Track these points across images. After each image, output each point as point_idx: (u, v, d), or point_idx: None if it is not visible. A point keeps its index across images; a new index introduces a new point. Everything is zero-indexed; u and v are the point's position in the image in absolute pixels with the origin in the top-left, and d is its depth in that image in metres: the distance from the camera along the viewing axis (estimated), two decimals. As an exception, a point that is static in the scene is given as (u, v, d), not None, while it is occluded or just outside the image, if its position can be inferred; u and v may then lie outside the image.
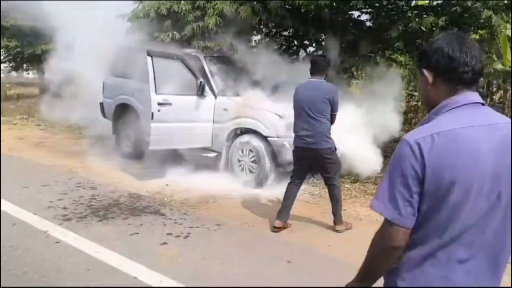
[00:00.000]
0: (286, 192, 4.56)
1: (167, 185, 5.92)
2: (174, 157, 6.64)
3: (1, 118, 10.95)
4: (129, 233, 4.18)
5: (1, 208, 4.61)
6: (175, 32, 6.24)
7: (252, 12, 5.82)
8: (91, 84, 8.51)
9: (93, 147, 7.98)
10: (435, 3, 6.33)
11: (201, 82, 6.06)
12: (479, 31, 7.08)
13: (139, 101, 7.00)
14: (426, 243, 1.34)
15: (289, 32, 6.96)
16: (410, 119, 9.24)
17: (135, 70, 7.03)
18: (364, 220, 4.88)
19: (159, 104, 5.80)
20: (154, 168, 6.66)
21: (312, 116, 4.28)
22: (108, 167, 6.74)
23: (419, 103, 9.50)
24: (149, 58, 5.75)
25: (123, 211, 4.79)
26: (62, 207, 4.86)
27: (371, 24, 6.75)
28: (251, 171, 5.90)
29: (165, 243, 3.99)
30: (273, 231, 4.42)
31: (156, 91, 5.80)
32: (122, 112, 7.45)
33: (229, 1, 6.20)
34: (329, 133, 4.35)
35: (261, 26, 6.26)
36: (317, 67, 4.41)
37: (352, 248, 3.96)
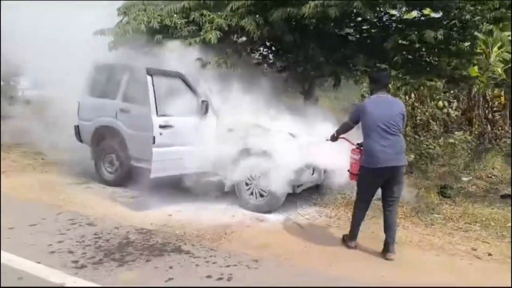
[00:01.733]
0: (355, 214, 4.47)
1: (170, 215, 5.42)
2: (162, 183, 6.05)
3: None
4: (163, 279, 3.67)
5: (-5, 258, 3.90)
6: (170, 47, 5.74)
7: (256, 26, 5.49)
8: (57, 105, 7.82)
9: (65, 174, 7.21)
10: (432, 15, 6.35)
11: (203, 101, 5.62)
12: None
13: (124, 123, 6.42)
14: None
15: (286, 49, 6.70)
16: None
17: (119, 89, 6.47)
18: (403, 242, 4.67)
19: (160, 127, 5.31)
20: (145, 197, 6.11)
21: (391, 132, 4.14)
22: (94, 198, 6.09)
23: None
24: (149, 77, 5.25)
25: (141, 251, 4.24)
26: (66, 251, 4.22)
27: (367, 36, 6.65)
28: (261, 195, 5.53)
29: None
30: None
31: (157, 113, 5.29)
32: (102, 135, 6.78)
33: (224, 15, 5.83)
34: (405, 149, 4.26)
35: (261, 41, 5.90)
36: (382, 83, 4.39)
37: (407, 276, 3.76)
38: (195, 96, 5.71)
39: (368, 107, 4.29)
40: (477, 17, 5.79)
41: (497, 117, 10.42)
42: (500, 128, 10.73)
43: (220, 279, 3.70)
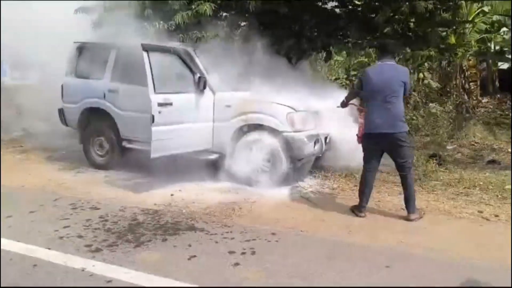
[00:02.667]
0: (363, 182, 4.51)
1: (172, 195, 5.31)
2: (157, 163, 5.87)
3: None
4: (186, 257, 3.59)
5: (2, 248, 3.71)
6: (161, 22, 5.52)
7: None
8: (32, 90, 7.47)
9: (51, 160, 6.94)
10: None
11: (200, 77, 5.47)
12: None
13: (113, 104, 6.19)
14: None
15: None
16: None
17: (106, 68, 6.22)
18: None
19: (159, 105, 5.15)
20: (141, 178, 5.97)
21: (388, 100, 4.24)
22: (87, 182, 5.89)
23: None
24: (144, 53, 5.05)
25: (154, 232, 4.13)
26: (76, 236, 4.05)
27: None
28: (263, 171, 5.48)
29: (237, 263, 3.47)
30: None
31: (155, 91, 5.11)
32: (90, 117, 6.52)
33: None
34: (403, 116, 4.34)
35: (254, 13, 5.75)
36: (389, 51, 4.52)
37: (425, 241, 3.83)
38: (191, 72, 5.54)
39: (370, 74, 4.39)
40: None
41: (473, 87, 10.74)
42: (475, 97, 11.10)
43: (243, 253, 3.65)
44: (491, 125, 9.38)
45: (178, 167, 6.08)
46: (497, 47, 10.49)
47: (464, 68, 10.37)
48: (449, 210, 4.69)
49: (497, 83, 13.88)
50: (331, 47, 6.73)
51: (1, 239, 3.86)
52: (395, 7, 6.00)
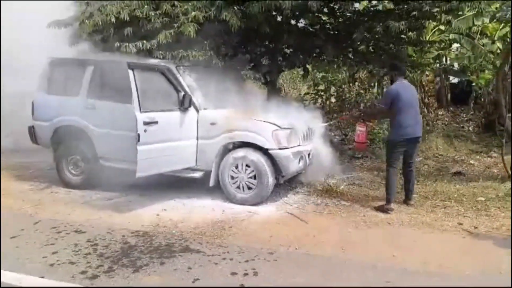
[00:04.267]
0: (390, 181, 5.26)
1: (158, 215, 5.22)
2: (136, 182, 5.76)
3: None
4: (190, 281, 3.55)
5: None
6: (144, 42, 5.46)
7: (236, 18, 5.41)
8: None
9: (21, 179, 6.65)
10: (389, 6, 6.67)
11: (185, 94, 5.45)
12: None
13: (90, 121, 6.03)
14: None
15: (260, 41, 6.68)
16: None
17: (82, 84, 6.07)
18: (395, 223, 4.92)
19: (145, 123, 5.07)
20: (120, 197, 5.84)
21: (417, 110, 5.35)
22: (65, 203, 5.69)
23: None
24: (130, 71, 4.97)
25: (149, 255, 4.06)
26: (67, 262, 3.91)
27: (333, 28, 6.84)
28: (249, 188, 5.51)
29: (242, 285, 3.48)
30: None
31: (140, 109, 5.04)
32: (64, 136, 6.31)
33: (198, 7, 5.67)
34: None
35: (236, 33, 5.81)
36: (402, 71, 5.54)
37: (416, 256, 3.99)
38: (175, 90, 5.50)
39: (400, 91, 5.21)
40: (436, 9, 6.16)
41: (432, 101, 11.29)
42: (434, 111, 11.66)
43: (246, 274, 3.66)
44: (451, 137, 9.85)
45: (158, 185, 6.02)
46: (453, 63, 11.10)
47: (424, 83, 10.90)
48: (431, 223, 4.90)
49: (449, 97, 14.66)
50: (307, 65, 6.89)
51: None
52: (369, 27, 6.24)
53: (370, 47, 6.91)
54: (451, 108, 13.81)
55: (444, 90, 14.27)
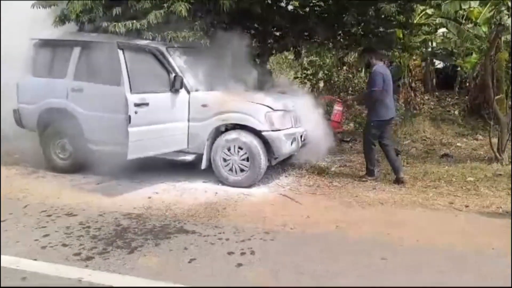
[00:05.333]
0: (370, 152, 5.70)
1: (149, 198, 5.17)
2: (126, 165, 5.67)
3: None
4: (186, 261, 3.53)
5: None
6: (134, 21, 5.34)
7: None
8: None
9: (5, 164, 6.47)
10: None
11: (176, 76, 5.36)
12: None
13: (77, 104, 5.91)
14: None
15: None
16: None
17: (69, 66, 5.94)
18: (388, 202, 4.96)
19: (136, 105, 4.98)
20: (110, 181, 5.75)
21: (392, 92, 5.69)
22: (53, 187, 5.58)
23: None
24: (120, 52, 4.86)
25: (144, 236, 4.02)
26: (60, 244, 3.85)
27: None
28: (242, 170, 5.48)
29: (240, 264, 3.47)
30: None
31: (131, 90, 4.95)
32: (51, 119, 6.17)
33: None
34: None
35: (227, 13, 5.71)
36: (379, 54, 5.88)
37: (411, 235, 4.02)
38: (166, 71, 5.41)
39: (384, 72, 5.53)
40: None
41: (419, 85, 11.37)
42: (420, 95, 11.75)
43: (243, 254, 3.64)
44: (437, 121, 9.95)
45: (148, 169, 5.94)
46: (440, 48, 11.16)
47: (411, 67, 10.95)
48: (423, 203, 4.95)
49: (434, 81, 14.79)
50: (298, 47, 6.85)
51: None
52: (361, 9, 6.20)
53: (360, 30, 6.86)
54: (436, 93, 13.95)
55: (429, 75, 14.38)
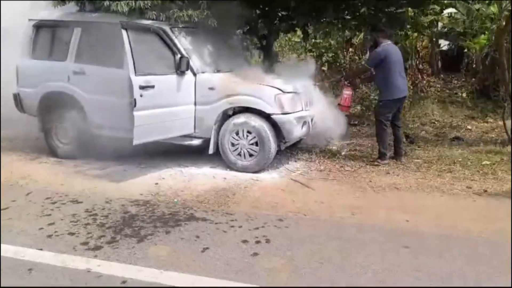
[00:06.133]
0: (382, 134, 5.55)
1: (156, 184, 5.01)
2: (130, 150, 5.48)
3: None
4: (199, 250, 3.37)
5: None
6: (137, 0, 5.10)
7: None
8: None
9: (6, 150, 6.27)
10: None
11: (182, 57, 5.14)
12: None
13: (79, 87, 5.71)
14: None
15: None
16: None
17: (70, 48, 5.72)
18: (403, 187, 4.80)
19: (141, 87, 4.79)
20: (114, 166, 5.59)
21: (403, 71, 5.64)
22: (56, 173, 5.42)
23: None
24: (124, 32, 4.65)
25: (153, 224, 3.86)
26: (66, 233, 3.69)
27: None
28: (251, 155, 5.30)
29: (255, 253, 3.31)
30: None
31: (135, 72, 4.74)
32: (52, 103, 5.97)
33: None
34: None
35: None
36: (386, 33, 5.67)
37: (430, 220, 3.89)
38: (171, 53, 5.20)
39: (389, 52, 5.42)
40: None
41: (426, 67, 11.13)
42: (427, 77, 11.51)
43: (258, 242, 3.49)
44: (446, 103, 9.75)
45: (153, 154, 5.78)
46: (451, 27, 10.89)
47: (418, 49, 10.69)
48: (439, 187, 4.79)
49: (439, 63, 14.53)
50: (308, 27, 6.61)
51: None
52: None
53: (371, 10, 6.62)
54: (442, 75, 13.71)
55: (435, 57, 14.11)
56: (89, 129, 5.77)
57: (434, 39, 12.53)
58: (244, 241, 3.51)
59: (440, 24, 12.47)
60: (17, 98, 6.13)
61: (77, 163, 5.77)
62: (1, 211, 4.11)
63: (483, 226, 3.77)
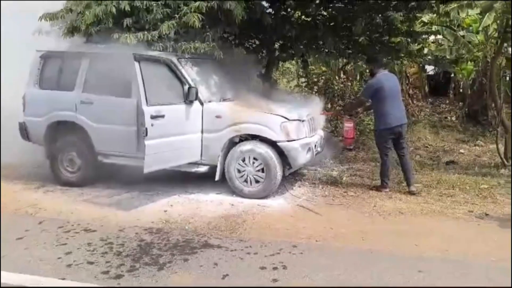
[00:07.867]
0: (384, 166, 5.62)
1: (165, 211, 5.08)
2: (136, 178, 5.56)
3: None
4: (219, 277, 3.46)
5: (4, 282, 3.33)
6: (145, 33, 5.27)
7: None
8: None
9: (10, 178, 6.29)
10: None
11: (190, 87, 5.30)
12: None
13: (87, 116, 5.81)
14: None
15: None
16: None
17: (78, 78, 5.84)
18: (407, 212, 4.95)
19: (152, 117, 4.91)
20: (120, 194, 5.66)
21: (400, 99, 5.70)
22: (65, 200, 5.48)
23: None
24: (136, 64, 4.80)
25: (170, 252, 3.93)
26: (85, 262, 3.74)
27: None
28: (257, 181, 5.43)
29: (275, 280, 3.41)
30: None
31: (147, 103, 4.88)
32: (58, 131, 6.05)
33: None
34: None
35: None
36: (380, 63, 5.99)
37: (439, 245, 4.01)
38: (180, 83, 5.35)
39: (383, 82, 5.50)
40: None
41: (417, 92, 11.47)
42: (417, 101, 11.85)
43: (275, 268, 3.59)
44: (437, 127, 10.04)
45: (159, 181, 5.85)
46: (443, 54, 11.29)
47: (408, 75, 11.05)
48: (442, 211, 4.96)
49: (427, 88, 14.96)
50: (307, 56, 6.85)
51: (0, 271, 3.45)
52: (369, 18, 6.24)
53: (367, 39, 6.89)
54: (429, 99, 14.09)
55: (422, 82, 14.53)
56: (95, 157, 5.84)
57: (421, 65, 12.95)
58: (262, 268, 3.60)
59: (426, 50, 12.96)
60: (23, 127, 6.17)
61: (84, 191, 5.82)
62: (16, 241, 4.14)
63: (491, 249, 3.92)
